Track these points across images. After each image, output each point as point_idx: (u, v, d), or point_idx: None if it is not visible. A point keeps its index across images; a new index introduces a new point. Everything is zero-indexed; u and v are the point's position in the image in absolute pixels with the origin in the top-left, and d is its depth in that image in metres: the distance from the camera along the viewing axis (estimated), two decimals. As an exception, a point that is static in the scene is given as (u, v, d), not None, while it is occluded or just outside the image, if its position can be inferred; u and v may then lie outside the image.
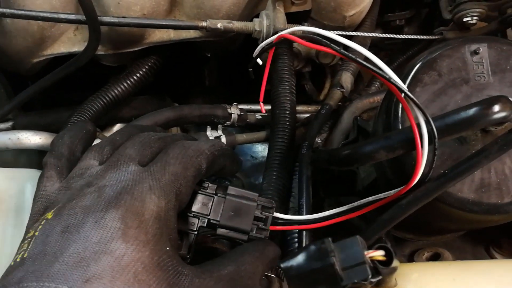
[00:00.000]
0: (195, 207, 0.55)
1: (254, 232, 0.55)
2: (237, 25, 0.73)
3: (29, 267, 0.38)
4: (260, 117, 0.85)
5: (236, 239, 0.56)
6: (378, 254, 0.41)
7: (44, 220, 0.43)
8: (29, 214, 0.66)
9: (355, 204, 0.54)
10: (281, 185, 0.65)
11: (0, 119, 0.82)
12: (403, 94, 0.48)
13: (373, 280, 0.40)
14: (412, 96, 0.47)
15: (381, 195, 0.53)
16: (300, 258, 0.43)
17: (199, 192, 0.55)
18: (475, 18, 0.72)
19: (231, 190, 0.55)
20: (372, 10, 0.85)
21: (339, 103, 0.79)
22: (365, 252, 0.41)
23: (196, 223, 0.56)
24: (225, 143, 0.75)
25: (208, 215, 0.55)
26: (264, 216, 0.55)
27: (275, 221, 0.57)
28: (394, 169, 0.57)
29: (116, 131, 0.54)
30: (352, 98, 0.79)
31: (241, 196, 0.56)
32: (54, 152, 0.52)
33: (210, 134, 0.74)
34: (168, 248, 0.42)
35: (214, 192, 0.55)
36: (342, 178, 0.71)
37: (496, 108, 0.46)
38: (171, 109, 0.74)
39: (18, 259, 0.40)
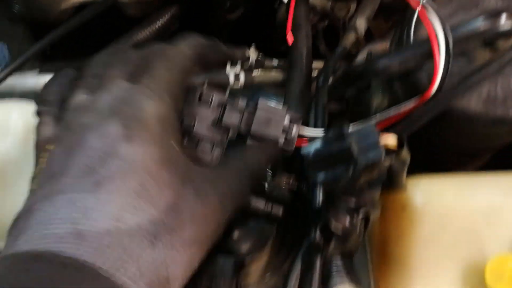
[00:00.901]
0: (225, 120, 0.60)
1: (282, 142, 0.59)
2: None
3: (38, 192, 0.39)
4: (276, 63, 0.89)
5: None
6: (391, 141, 0.45)
7: (47, 152, 0.45)
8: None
9: (375, 119, 0.58)
10: (302, 110, 0.69)
11: (24, 63, 0.85)
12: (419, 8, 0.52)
13: (386, 161, 0.44)
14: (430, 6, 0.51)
15: (402, 106, 0.57)
16: (318, 143, 0.47)
17: (229, 105, 0.60)
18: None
19: (261, 103, 0.59)
20: None
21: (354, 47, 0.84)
22: (379, 138, 0.45)
23: (226, 135, 0.60)
24: (243, 81, 0.79)
25: (239, 127, 0.60)
26: (291, 127, 0.59)
27: (301, 135, 0.61)
28: (407, 88, 0.61)
29: (95, 62, 0.52)
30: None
31: (271, 108, 0.60)
32: (46, 100, 0.53)
33: (230, 71, 0.79)
34: (175, 147, 0.43)
35: (244, 105, 0.60)
36: (354, 112, 0.75)
37: (503, 19, 0.50)
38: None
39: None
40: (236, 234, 0.73)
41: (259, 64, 0.85)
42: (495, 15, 0.51)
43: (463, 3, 0.58)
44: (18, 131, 0.75)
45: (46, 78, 0.90)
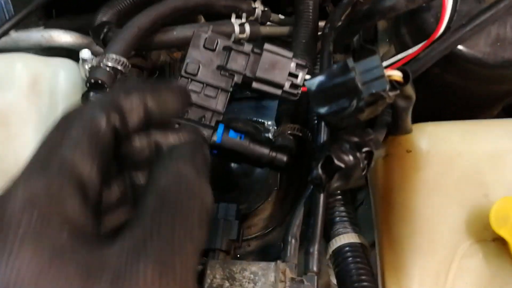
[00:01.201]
0: (230, 65, 0.59)
1: (287, 87, 0.58)
2: None
3: None
4: (283, 17, 0.88)
5: (269, 93, 0.59)
6: (396, 74, 0.44)
7: None
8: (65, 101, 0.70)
9: (387, 62, 0.57)
10: (309, 60, 0.68)
11: (25, 18, 0.85)
12: None
13: (391, 93, 0.43)
14: None
15: (409, 51, 0.56)
16: (323, 76, 0.46)
17: (234, 49, 0.59)
18: None
19: (267, 46, 0.59)
20: None
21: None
22: (384, 70, 0.44)
23: (231, 80, 0.60)
24: (249, 31, 0.78)
25: (244, 71, 0.59)
26: (297, 73, 0.59)
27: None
28: (413, 32, 0.59)
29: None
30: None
31: (277, 52, 0.59)
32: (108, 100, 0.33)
33: (235, 21, 0.77)
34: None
35: (250, 50, 0.59)
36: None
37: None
38: (200, -6, 0.77)
39: None
40: (240, 185, 0.73)
41: (265, 17, 0.84)
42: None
43: None
44: (23, 82, 0.74)
45: (50, 33, 0.91)
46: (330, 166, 0.46)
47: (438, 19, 0.54)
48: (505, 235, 0.49)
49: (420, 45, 0.55)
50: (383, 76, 0.43)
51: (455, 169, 0.54)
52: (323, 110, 0.45)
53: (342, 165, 0.46)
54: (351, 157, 0.46)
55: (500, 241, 0.51)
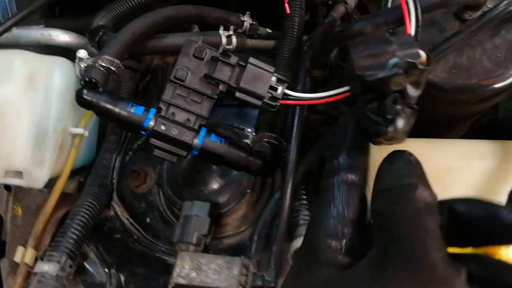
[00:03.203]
0: (216, 74, 0.64)
1: (267, 99, 0.64)
2: None
3: None
4: (270, 31, 0.93)
5: (250, 103, 0.64)
6: (423, 54, 0.48)
7: None
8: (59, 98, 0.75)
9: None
10: (289, 75, 0.73)
11: (27, 17, 0.89)
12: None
13: (422, 67, 0.46)
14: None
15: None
16: (363, 42, 0.49)
17: (221, 60, 0.64)
18: None
19: (252, 60, 0.64)
20: None
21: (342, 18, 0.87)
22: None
23: (216, 88, 0.65)
24: (235, 43, 0.83)
25: (229, 81, 0.64)
26: (278, 87, 0.64)
27: (286, 96, 0.65)
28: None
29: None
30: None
31: (260, 66, 0.64)
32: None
33: (223, 33, 0.83)
34: None
35: (236, 62, 0.64)
36: (337, 79, 0.79)
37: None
38: (192, 6, 0.82)
39: None
40: (215, 185, 0.78)
41: (252, 30, 0.89)
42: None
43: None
44: (20, 77, 0.79)
45: (49, 32, 0.96)
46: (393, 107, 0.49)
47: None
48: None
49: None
50: (417, 51, 0.47)
51: (408, 182, 0.59)
52: (362, 72, 0.48)
53: (408, 108, 0.48)
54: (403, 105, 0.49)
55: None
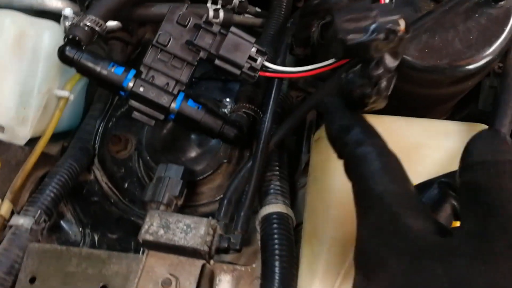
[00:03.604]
0: (198, 41, 0.66)
1: (246, 69, 0.65)
2: None
3: None
4: (259, 10, 0.94)
5: (229, 72, 0.66)
6: (402, 23, 0.48)
7: None
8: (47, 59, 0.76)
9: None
10: (271, 51, 0.75)
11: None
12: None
13: (401, 34, 0.47)
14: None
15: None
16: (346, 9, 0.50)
17: (203, 27, 0.66)
18: None
19: (233, 29, 0.65)
20: None
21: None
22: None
23: (197, 55, 0.67)
24: (222, 17, 0.85)
25: (209, 49, 0.66)
26: (257, 58, 0.65)
27: (265, 68, 0.67)
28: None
29: None
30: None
31: (241, 35, 0.66)
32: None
33: (210, 6, 0.84)
34: None
35: (218, 31, 0.66)
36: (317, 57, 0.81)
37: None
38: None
39: None
40: (193, 153, 0.79)
41: (241, 7, 0.91)
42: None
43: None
44: (10, 36, 0.80)
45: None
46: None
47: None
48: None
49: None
50: (397, 19, 0.48)
51: (374, 156, 0.61)
52: (346, 36, 0.49)
53: (391, 66, 0.51)
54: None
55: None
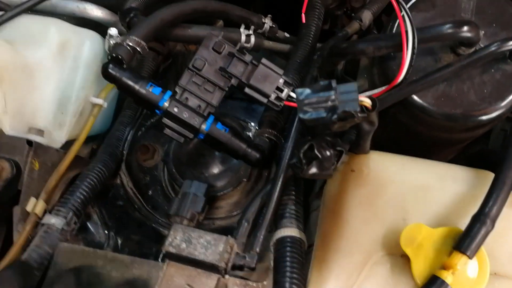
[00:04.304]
0: (230, 69, 0.71)
1: (273, 98, 0.71)
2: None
3: None
4: (288, 35, 0.99)
5: (257, 100, 0.71)
6: (367, 101, 0.55)
7: None
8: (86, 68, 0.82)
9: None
10: (297, 79, 0.80)
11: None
12: (402, 11, 0.62)
13: (360, 115, 0.53)
14: (406, 8, 0.61)
15: (375, 90, 0.68)
16: (310, 89, 0.56)
17: (236, 56, 0.71)
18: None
19: (264, 61, 0.71)
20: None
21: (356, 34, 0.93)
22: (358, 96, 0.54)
23: (229, 81, 0.72)
24: (253, 42, 0.90)
25: (241, 77, 0.71)
26: (284, 89, 0.71)
27: (290, 98, 0.72)
28: (380, 74, 0.71)
29: None
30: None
31: (271, 67, 0.71)
32: None
33: (243, 31, 0.89)
34: None
35: (250, 60, 0.71)
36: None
37: (465, 28, 0.60)
38: (218, 2, 0.88)
39: None
40: (215, 170, 0.85)
41: (271, 32, 0.96)
42: (460, 24, 0.61)
43: (442, 11, 0.68)
44: (54, 43, 0.86)
45: (84, 5, 1.03)
46: (311, 154, 0.58)
47: (400, 67, 0.65)
48: (410, 253, 0.61)
49: (383, 88, 0.67)
50: (357, 99, 0.53)
51: (385, 193, 0.66)
52: (305, 115, 0.55)
53: (320, 155, 0.57)
54: (327, 152, 0.58)
55: (406, 257, 0.62)
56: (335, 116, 0.53)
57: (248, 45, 0.90)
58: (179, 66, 1.10)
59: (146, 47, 0.78)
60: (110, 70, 0.73)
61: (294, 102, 0.72)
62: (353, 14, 1.04)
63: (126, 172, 0.93)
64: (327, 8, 1.00)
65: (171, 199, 0.85)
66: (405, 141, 0.78)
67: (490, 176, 0.66)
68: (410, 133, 0.74)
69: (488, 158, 0.88)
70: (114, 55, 0.74)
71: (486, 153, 0.90)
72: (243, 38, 0.89)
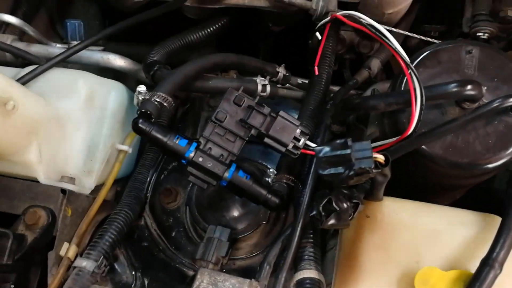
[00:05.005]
0: (250, 120, 0.77)
1: (290, 147, 0.76)
2: (299, 1, 0.95)
3: None
4: (301, 81, 1.05)
5: (275, 148, 0.76)
6: (380, 157, 0.61)
7: None
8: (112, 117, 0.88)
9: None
10: (311, 126, 0.85)
11: (94, 43, 1.03)
12: (409, 70, 0.68)
13: (374, 170, 0.59)
14: (413, 69, 0.66)
15: (386, 141, 0.73)
16: (328, 146, 0.62)
17: (256, 109, 0.76)
18: (486, 34, 0.90)
19: (282, 113, 0.76)
20: (408, 15, 1.04)
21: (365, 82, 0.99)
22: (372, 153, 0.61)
23: (249, 132, 0.77)
24: (269, 91, 0.96)
25: (260, 128, 0.76)
26: (300, 138, 0.76)
27: (306, 146, 0.77)
28: (391, 125, 0.76)
29: None
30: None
31: (288, 119, 0.76)
32: None
33: (259, 81, 0.95)
34: None
35: (268, 113, 0.76)
36: (352, 135, 0.91)
37: (469, 87, 0.66)
38: (235, 55, 0.95)
39: None
40: (236, 213, 0.90)
41: (285, 80, 1.02)
42: (464, 83, 0.66)
43: (447, 67, 0.73)
44: (82, 95, 0.91)
45: (108, 56, 1.09)
46: (329, 207, 0.64)
47: (409, 121, 0.71)
48: (423, 295, 0.65)
49: (393, 139, 0.72)
50: (371, 157, 0.59)
51: (399, 237, 0.71)
52: (323, 171, 0.62)
53: (338, 208, 0.63)
54: (344, 204, 0.63)
55: (419, 299, 0.67)
56: (352, 172, 0.59)
57: (265, 94, 0.96)
58: (196, 110, 1.16)
59: (172, 102, 0.84)
60: (140, 125, 0.79)
61: (310, 150, 0.78)
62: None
63: (150, 214, 0.98)
64: (336, 54, 1.06)
65: (195, 242, 0.90)
66: (414, 186, 0.83)
67: (497, 220, 0.71)
68: (415, 180, 0.80)
69: (494, 196, 0.93)
70: (143, 110, 0.80)
71: (492, 192, 0.95)
72: (260, 88, 0.95)
